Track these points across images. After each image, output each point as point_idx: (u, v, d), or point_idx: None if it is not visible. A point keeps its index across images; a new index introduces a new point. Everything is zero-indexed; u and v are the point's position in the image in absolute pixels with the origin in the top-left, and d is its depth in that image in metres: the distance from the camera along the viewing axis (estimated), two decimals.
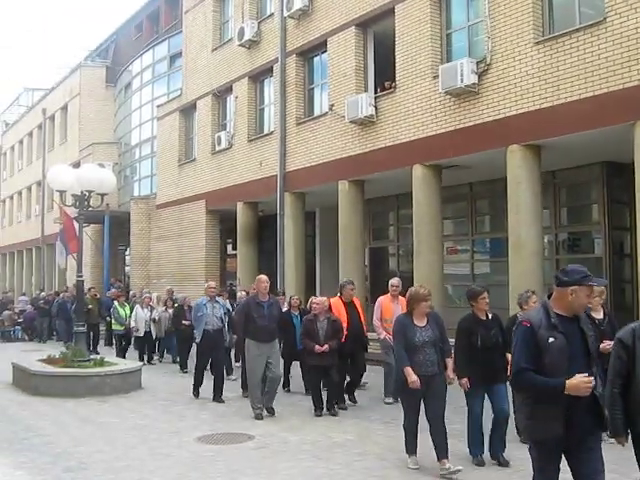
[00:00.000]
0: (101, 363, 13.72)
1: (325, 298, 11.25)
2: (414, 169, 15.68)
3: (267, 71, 21.41)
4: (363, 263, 18.84)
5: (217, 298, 12.90)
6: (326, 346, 10.44)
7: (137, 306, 18.10)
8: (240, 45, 21.87)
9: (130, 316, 18.11)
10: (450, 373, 7.56)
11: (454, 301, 17.49)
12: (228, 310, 13.64)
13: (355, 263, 17.71)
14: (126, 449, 8.56)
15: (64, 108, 38.78)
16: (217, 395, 12.02)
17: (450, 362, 7.57)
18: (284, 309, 13.04)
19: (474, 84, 14.12)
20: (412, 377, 7.13)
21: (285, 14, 19.74)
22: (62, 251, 25.42)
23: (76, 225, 15.83)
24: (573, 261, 15.98)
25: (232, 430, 9.59)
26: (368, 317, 12.76)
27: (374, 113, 16.68)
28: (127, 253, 31.37)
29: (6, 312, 27.78)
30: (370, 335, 12.29)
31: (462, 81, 14.05)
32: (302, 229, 20.33)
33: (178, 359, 16.82)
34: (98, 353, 18.66)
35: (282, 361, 12.04)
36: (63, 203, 15.28)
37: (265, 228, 22.59)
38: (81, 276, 14.87)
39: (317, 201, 20.76)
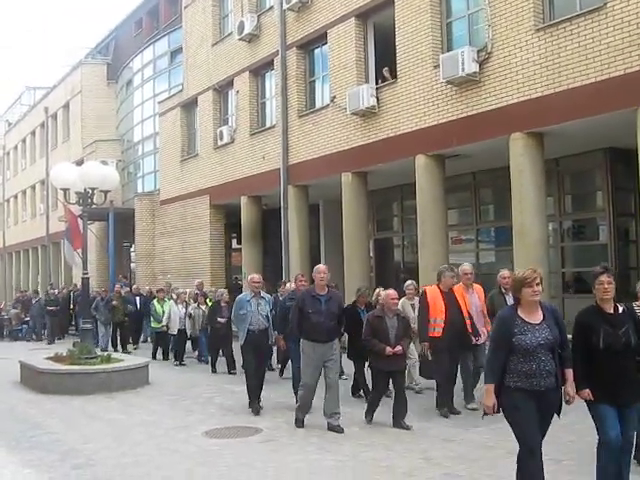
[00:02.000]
0: (108, 360, 13.74)
1: (392, 291, 9.68)
2: (417, 159, 15.64)
3: (268, 64, 21.37)
4: (368, 254, 18.82)
5: (262, 293, 11.12)
6: (399, 347, 9.13)
7: (171, 302, 17.27)
8: (240, 39, 21.83)
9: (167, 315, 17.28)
10: (570, 389, 5.60)
11: None
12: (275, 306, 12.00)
13: (360, 255, 17.70)
14: (134, 445, 8.57)
15: (66, 106, 38.78)
16: (255, 403, 10.56)
17: (570, 374, 5.62)
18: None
19: (475, 73, 14.07)
20: (490, 401, 5.49)
21: (285, 6, 19.69)
22: (70, 250, 25.43)
23: (80, 223, 15.83)
24: (578, 249, 15.98)
25: (239, 424, 9.59)
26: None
27: (376, 104, 16.64)
28: (132, 250, 31.38)
29: (13, 311, 27.86)
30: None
31: (463, 70, 14.01)
32: (306, 222, 20.32)
33: (209, 359, 15.86)
34: (129, 352, 18.89)
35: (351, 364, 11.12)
36: (67, 201, 15.27)
37: (269, 222, 22.59)
38: (86, 273, 14.88)
39: (321, 193, 20.74)
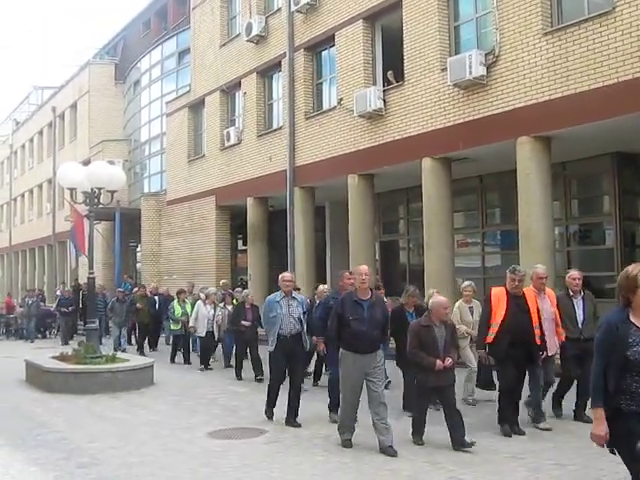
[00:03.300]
0: (113, 359, 13.77)
1: (444, 299, 8.65)
2: (423, 162, 15.65)
3: (275, 66, 21.41)
4: (374, 257, 18.84)
5: (294, 294, 10.09)
6: (449, 360, 8.07)
7: (199, 303, 16.22)
8: (248, 40, 21.87)
9: (188, 314, 16.73)
10: None
11: None
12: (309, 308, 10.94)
13: (366, 257, 17.67)
14: (138, 445, 8.58)
15: (74, 106, 38.91)
16: (291, 417, 9.52)
17: None
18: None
19: (483, 76, 14.08)
20: (600, 429, 4.34)
21: (293, 8, 19.72)
22: (73, 250, 25.49)
23: (87, 222, 15.88)
24: (584, 253, 15.95)
25: (243, 425, 9.59)
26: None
27: (383, 106, 16.65)
28: (138, 250, 31.46)
29: (20, 309, 27.91)
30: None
31: (471, 73, 14.02)
32: (312, 224, 20.34)
33: (234, 364, 14.66)
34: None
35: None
36: (74, 201, 15.31)
37: (275, 223, 22.61)
38: (92, 273, 14.91)
39: (327, 195, 20.76)
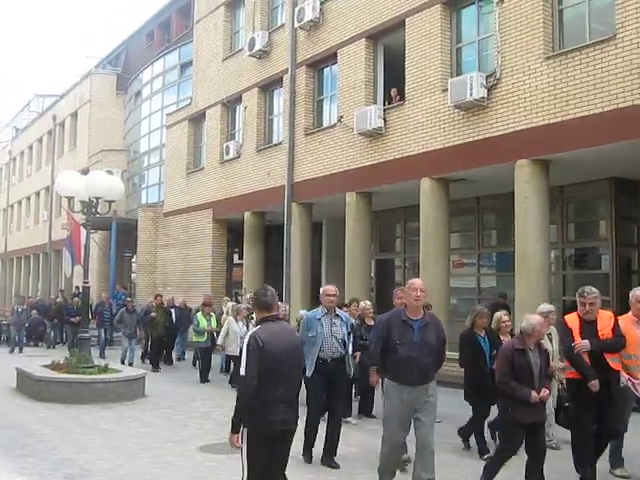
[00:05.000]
0: (105, 370, 13.73)
1: (540, 317, 7.42)
2: (422, 182, 15.67)
3: (277, 81, 21.47)
4: (369, 275, 18.82)
5: (338, 311, 8.82)
6: (546, 392, 6.88)
7: (230, 319, 15.02)
8: (250, 55, 21.95)
9: (211, 328, 16.25)
10: None
11: (460, 314, 17.43)
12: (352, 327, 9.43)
13: (361, 275, 17.69)
14: (128, 457, 8.54)
15: (74, 115, 38.99)
16: (328, 455, 8.28)
17: None
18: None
19: (483, 98, 14.13)
20: None
21: (296, 25, 19.81)
22: (69, 259, 25.37)
23: (83, 231, 15.86)
24: (580, 277, 15.95)
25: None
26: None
27: (383, 125, 16.69)
28: (133, 260, 31.42)
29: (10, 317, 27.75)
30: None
31: (471, 95, 14.07)
32: (309, 240, 20.34)
33: None
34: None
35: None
36: (71, 209, 15.31)
37: (272, 238, 22.61)
38: (87, 282, 14.89)
39: (324, 212, 20.77)
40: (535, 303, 12.58)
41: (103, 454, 8.67)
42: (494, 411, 8.42)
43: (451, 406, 10.46)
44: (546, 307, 9.37)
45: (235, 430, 5.27)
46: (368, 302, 12.34)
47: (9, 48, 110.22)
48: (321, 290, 8.89)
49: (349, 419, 10.61)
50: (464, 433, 9.12)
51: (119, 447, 9.09)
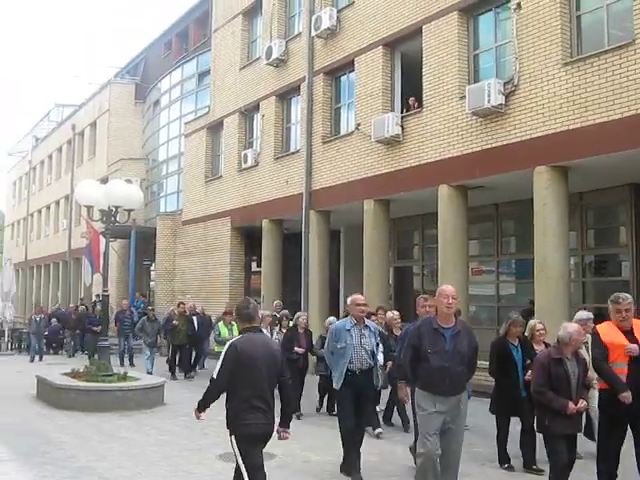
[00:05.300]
0: (124, 378, 13.79)
1: (576, 326, 7.18)
2: (440, 189, 15.63)
3: (294, 90, 21.52)
4: (387, 282, 18.78)
5: (367, 321, 8.60)
6: (584, 403, 6.76)
7: None
8: (268, 64, 22.02)
9: (232, 337, 15.66)
10: None
11: (479, 322, 17.36)
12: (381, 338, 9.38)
13: (379, 282, 17.66)
14: (147, 465, 8.55)
15: (93, 124, 39.28)
16: (354, 471, 8.00)
17: None
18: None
19: (501, 105, 14.08)
20: None
21: (313, 33, 19.87)
22: (88, 267, 25.51)
23: (102, 239, 15.95)
24: (599, 284, 15.84)
25: None
26: None
27: (400, 133, 16.68)
28: (152, 268, 31.56)
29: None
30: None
31: (489, 102, 14.03)
32: (327, 247, 20.33)
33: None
34: (192, 377, 18.05)
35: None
36: (90, 218, 15.41)
37: (290, 246, 22.61)
38: (107, 291, 14.99)
39: (342, 220, 20.76)
40: (555, 310, 12.57)
41: (122, 462, 8.70)
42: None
43: (478, 415, 10.36)
44: (584, 314, 9.05)
45: (199, 408, 6.17)
46: (395, 312, 12.08)
47: (29, 59, 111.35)
48: (349, 300, 8.59)
49: (377, 430, 10.35)
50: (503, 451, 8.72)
51: (138, 455, 9.12)
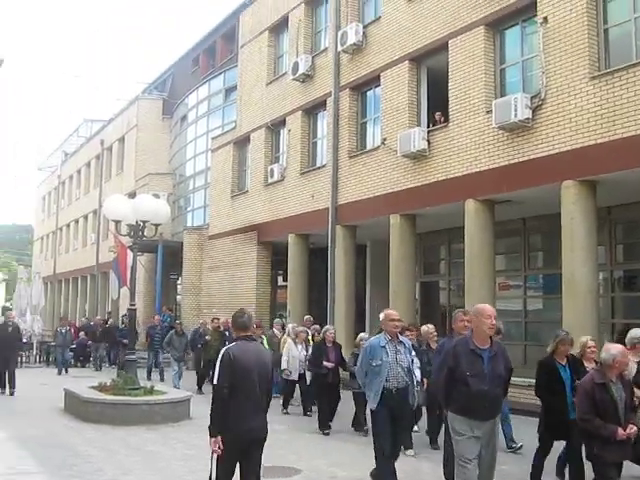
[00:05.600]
0: (151, 392, 13.83)
1: (620, 347, 6.72)
2: (466, 204, 15.58)
3: (320, 105, 21.60)
4: (414, 297, 18.71)
5: (402, 338, 8.33)
6: (634, 428, 6.39)
7: (290, 342, 14.69)
8: (294, 79, 22.13)
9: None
10: None
11: (507, 338, 17.20)
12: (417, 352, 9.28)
13: (405, 297, 17.59)
14: (174, 479, 8.56)
15: (121, 139, 39.66)
16: None
17: None
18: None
19: (528, 119, 14.02)
20: None
21: (339, 49, 19.95)
22: (115, 281, 25.67)
23: (130, 254, 16.06)
24: (629, 299, 15.67)
25: (279, 463, 9.51)
26: None
27: (427, 147, 16.67)
28: (179, 282, 31.70)
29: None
30: None
31: (516, 116, 13.98)
32: (353, 262, 20.31)
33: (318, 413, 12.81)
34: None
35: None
36: (118, 232, 15.54)
37: (316, 260, 22.62)
38: (134, 305, 15.06)
39: (368, 234, 20.75)
40: (583, 326, 12.42)
41: (148, 476, 8.72)
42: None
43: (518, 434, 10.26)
44: (638, 332, 8.50)
45: (212, 434, 5.90)
46: (430, 325, 11.84)
47: (60, 76, 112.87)
48: (382, 315, 8.25)
49: (409, 451, 10.05)
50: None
51: (164, 469, 9.13)
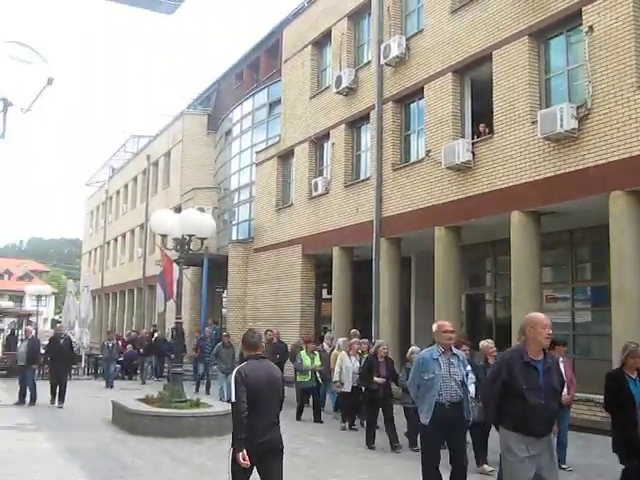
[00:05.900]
0: (197, 404, 13.91)
1: None
2: (512, 216, 15.42)
3: (364, 118, 21.63)
4: (459, 310, 18.56)
5: (455, 350, 8.04)
6: None
7: (343, 354, 14.60)
8: (337, 92, 22.21)
9: (314, 367, 15.64)
10: None
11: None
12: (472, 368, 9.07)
13: (451, 309, 17.44)
14: None
15: (167, 154, 40.15)
16: None
17: None
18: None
19: (574, 129, 13.86)
20: None
21: (382, 62, 19.98)
22: (161, 294, 25.94)
23: (176, 267, 16.22)
24: None
25: (325, 477, 9.50)
26: None
27: (471, 159, 16.57)
28: (224, 295, 31.91)
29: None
30: None
31: (562, 126, 13.83)
32: (397, 275, 20.23)
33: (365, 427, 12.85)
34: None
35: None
36: (164, 246, 15.72)
37: (360, 273, 22.59)
38: (180, 318, 15.21)
39: (413, 246, 20.67)
40: (633, 339, 12.13)
41: None
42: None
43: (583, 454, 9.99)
44: None
45: (237, 450, 5.99)
46: (490, 340, 11.43)
47: (107, 94, 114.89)
48: (435, 326, 8.07)
49: (485, 467, 9.77)
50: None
51: None
